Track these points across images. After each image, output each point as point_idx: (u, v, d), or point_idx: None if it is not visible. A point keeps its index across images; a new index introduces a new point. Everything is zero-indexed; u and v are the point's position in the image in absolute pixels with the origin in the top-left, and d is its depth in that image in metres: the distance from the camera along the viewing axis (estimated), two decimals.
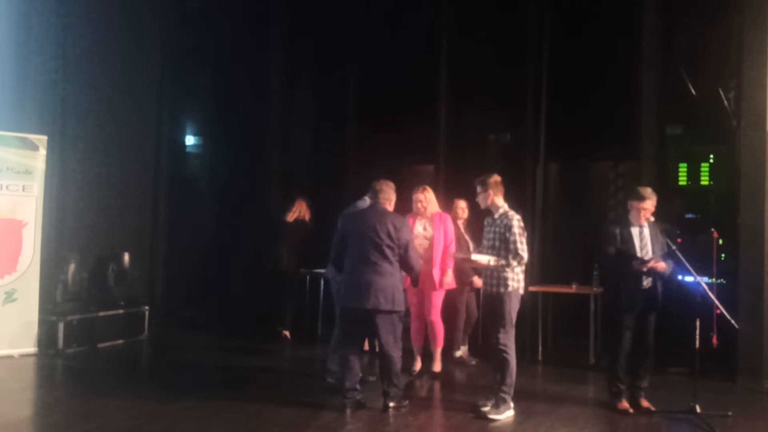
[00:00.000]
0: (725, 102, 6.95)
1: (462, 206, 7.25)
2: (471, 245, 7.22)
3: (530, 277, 7.46)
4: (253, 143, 9.21)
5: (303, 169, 9.08)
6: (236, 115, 9.47)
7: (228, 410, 5.29)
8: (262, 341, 7.97)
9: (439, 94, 8.04)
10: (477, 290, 7.38)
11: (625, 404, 5.47)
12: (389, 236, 5.11)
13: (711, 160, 7.01)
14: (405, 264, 5.22)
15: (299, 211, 8.09)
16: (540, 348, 7.40)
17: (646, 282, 5.40)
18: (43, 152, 7.24)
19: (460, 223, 7.25)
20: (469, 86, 8.21)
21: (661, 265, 5.33)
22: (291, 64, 9.05)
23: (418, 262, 5.33)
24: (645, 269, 5.31)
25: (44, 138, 7.29)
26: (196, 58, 9.47)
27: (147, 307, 8.14)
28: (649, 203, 5.45)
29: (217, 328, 8.70)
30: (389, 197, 5.36)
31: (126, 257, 8.10)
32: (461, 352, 7.20)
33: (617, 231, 5.45)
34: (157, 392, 5.90)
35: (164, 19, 9.07)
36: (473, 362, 7.11)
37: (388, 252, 5.10)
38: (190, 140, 10.25)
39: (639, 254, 5.38)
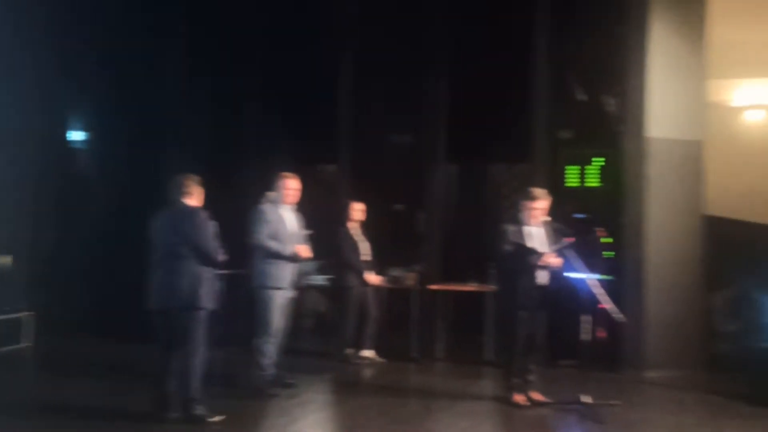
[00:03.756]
0: (611, 108, 7.35)
1: (358, 208, 7.30)
2: (363, 246, 7.29)
3: (430, 275, 7.62)
4: (149, 140, 8.84)
5: (201, 165, 8.78)
6: (132, 110, 9.04)
7: (110, 426, 5.06)
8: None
9: (341, 93, 8.04)
10: (376, 288, 7.45)
11: (520, 397, 5.68)
12: (179, 233, 5.04)
13: (598, 163, 7.39)
14: (201, 258, 5.06)
15: None
16: (439, 345, 7.55)
17: (542, 278, 5.63)
18: None
19: (355, 224, 7.29)
20: (372, 87, 8.26)
21: (556, 260, 5.58)
22: (190, 59, 8.77)
23: (215, 255, 5.10)
24: (541, 263, 5.53)
25: None
26: (88, 50, 8.98)
27: (29, 313, 7.65)
28: (541, 203, 5.68)
29: (108, 333, 8.28)
30: (191, 191, 5.21)
31: (6, 260, 7.60)
32: (368, 352, 7.24)
33: (512, 230, 5.64)
34: (27, 405, 5.55)
35: (52, 7, 8.54)
36: (380, 360, 7.20)
37: (181, 249, 5.02)
38: (80, 136, 9.70)
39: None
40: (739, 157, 8.04)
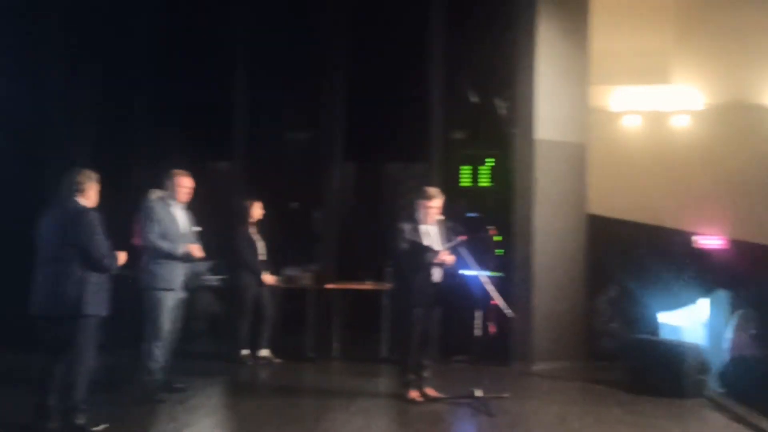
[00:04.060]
0: (501, 110, 7.60)
1: (257, 207, 7.19)
2: (260, 246, 7.20)
3: (327, 275, 7.59)
4: (30, 136, 8.28)
5: (86, 161, 8.33)
6: (11, 103, 8.45)
7: None
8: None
9: (235, 89, 7.87)
10: (272, 288, 7.35)
11: (415, 394, 5.75)
12: (66, 234, 4.75)
13: (490, 164, 7.62)
14: (89, 262, 4.74)
15: None
16: (335, 344, 7.54)
17: (436, 276, 5.73)
18: None
19: (252, 223, 7.18)
20: (267, 84, 8.14)
21: (450, 258, 5.70)
22: (74, 51, 8.30)
23: (103, 258, 4.76)
24: (437, 261, 5.62)
25: None
26: None
27: None
28: (436, 202, 5.78)
29: None
30: (84, 189, 4.89)
31: None
32: (264, 352, 7.16)
33: (408, 228, 5.71)
34: None
35: None
36: (277, 360, 7.15)
37: (68, 252, 4.74)
38: None
39: None
40: (618, 159, 8.51)
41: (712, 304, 7.62)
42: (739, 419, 5.47)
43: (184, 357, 7.11)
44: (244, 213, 7.16)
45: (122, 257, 4.92)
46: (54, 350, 4.80)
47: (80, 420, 4.73)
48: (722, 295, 7.47)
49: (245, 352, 7.06)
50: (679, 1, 8.53)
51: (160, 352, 5.61)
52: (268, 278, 7.16)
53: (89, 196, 4.91)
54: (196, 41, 8.19)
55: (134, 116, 8.29)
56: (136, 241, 5.86)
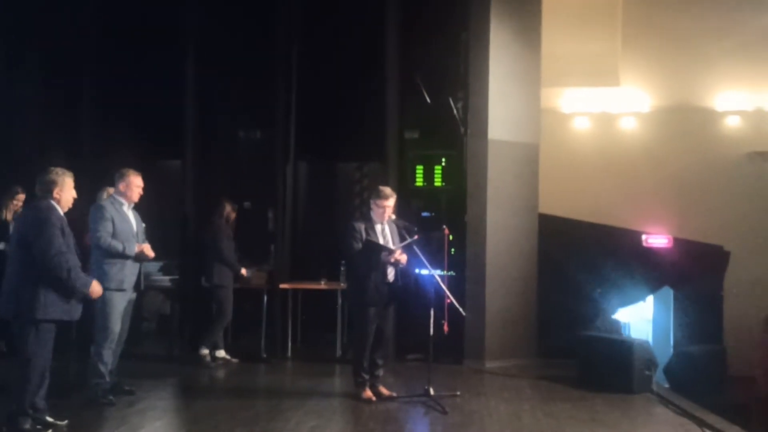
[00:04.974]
0: (455, 111, 7.66)
1: (234, 208, 7.25)
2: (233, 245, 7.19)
3: (281, 274, 7.54)
4: None
5: (29, 159, 8.09)
6: None
7: None
8: None
9: (186, 86, 7.73)
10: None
11: (368, 393, 5.76)
12: (21, 233, 4.73)
13: (443, 164, 7.66)
14: (41, 263, 4.59)
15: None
16: (289, 344, 7.49)
17: (390, 275, 5.75)
18: None
19: (230, 223, 7.21)
20: (218, 81, 8.02)
21: (404, 257, 5.73)
22: (16, 46, 8.04)
23: (55, 261, 4.60)
24: (393, 260, 5.64)
25: None
26: None
27: None
28: (390, 202, 5.80)
29: None
30: (53, 188, 4.78)
31: None
32: (220, 353, 7.15)
33: (363, 228, 5.72)
34: None
35: None
36: (234, 360, 7.15)
37: (20, 252, 4.69)
38: None
39: None
40: (568, 160, 8.69)
41: (658, 301, 7.86)
42: (685, 413, 5.64)
43: (135, 359, 7.01)
44: (228, 215, 7.16)
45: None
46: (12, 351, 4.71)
47: (25, 425, 4.60)
48: (667, 292, 7.70)
49: (204, 351, 6.97)
50: (627, 6, 8.77)
51: (109, 354, 5.49)
52: (245, 271, 7.20)
53: (62, 196, 4.82)
54: (146, 36, 8.02)
55: (81, 114, 8.08)
56: (86, 240, 5.72)
